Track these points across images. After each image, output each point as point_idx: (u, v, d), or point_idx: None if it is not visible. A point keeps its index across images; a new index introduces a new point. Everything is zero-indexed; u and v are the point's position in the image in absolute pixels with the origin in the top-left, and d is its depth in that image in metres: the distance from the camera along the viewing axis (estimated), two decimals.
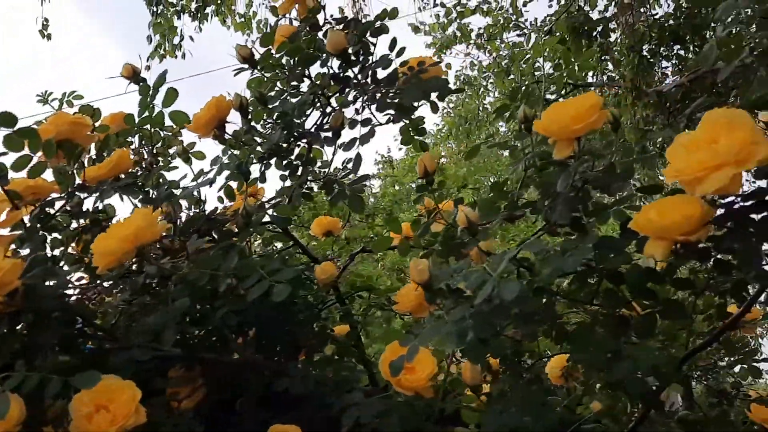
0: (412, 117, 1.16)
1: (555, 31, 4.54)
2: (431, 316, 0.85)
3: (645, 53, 4.53)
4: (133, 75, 1.29)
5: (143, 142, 1.40)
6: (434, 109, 1.16)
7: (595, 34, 4.64)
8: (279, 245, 1.34)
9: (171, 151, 1.46)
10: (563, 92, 5.00)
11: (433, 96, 1.09)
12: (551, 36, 4.79)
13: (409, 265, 0.80)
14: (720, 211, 0.74)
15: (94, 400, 0.69)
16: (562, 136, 0.83)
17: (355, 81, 0.91)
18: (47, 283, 0.75)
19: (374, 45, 1.04)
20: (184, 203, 1.18)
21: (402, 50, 1.05)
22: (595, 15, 5.02)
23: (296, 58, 0.94)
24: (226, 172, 1.06)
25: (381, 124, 1.06)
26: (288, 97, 0.96)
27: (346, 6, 6.07)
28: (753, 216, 0.71)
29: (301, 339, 1.17)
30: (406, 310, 1.15)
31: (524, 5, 5.13)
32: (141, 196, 1.08)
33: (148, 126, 1.28)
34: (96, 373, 0.65)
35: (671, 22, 4.70)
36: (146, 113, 1.29)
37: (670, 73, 5.17)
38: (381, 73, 1.05)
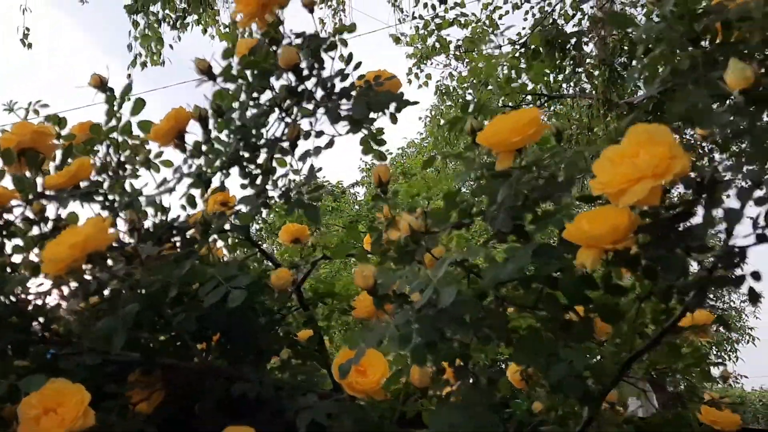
0: (372, 128, 1.20)
1: (529, 44, 4.62)
2: (377, 321, 0.88)
3: (617, 66, 4.62)
4: (100, 85, 1.31)
5: (110, 151, 1.43)
6: (393, 120, 1.21)
7: (568, 47, 4.74)
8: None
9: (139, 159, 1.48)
10: (538, 103, 5.09)
11: (392, 108, 1.14)
12: (526, 49, 4.87)
13: (354, 272, 0.83)
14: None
15: (42, 403, 0.72)
16: (502, 148, 0.87)
17: (308, 94, 0.94)
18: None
19: (333, 59, 1.08)
20: (151, 211, 1.21)
21: (358, 64, 1.08)
22: (569, 28, 5.12)
23: (254, 72, 0.98)
24: (187, 181, 1.09)
25: (339, 135, 1.10)
26: (247, 109, 0.99)
27: (327, 18, 6.16)
28: (677, 225, 0.75)
29: (263, 344, 1.20)
30: (362, 315, 1.19)
31: (500, 18, 5.22)
32: (103, 204, 1.11)
33: (115, 135, 1.31)
34: (42, 376, 0.68)
35: None
36: (113, 122, 1.32)
37: (641, 86, 5.26)
38: (339, 86, 1.09)
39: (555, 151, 0.99)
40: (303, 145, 1.08)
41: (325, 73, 1.03)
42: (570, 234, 0.79)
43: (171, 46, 5.15)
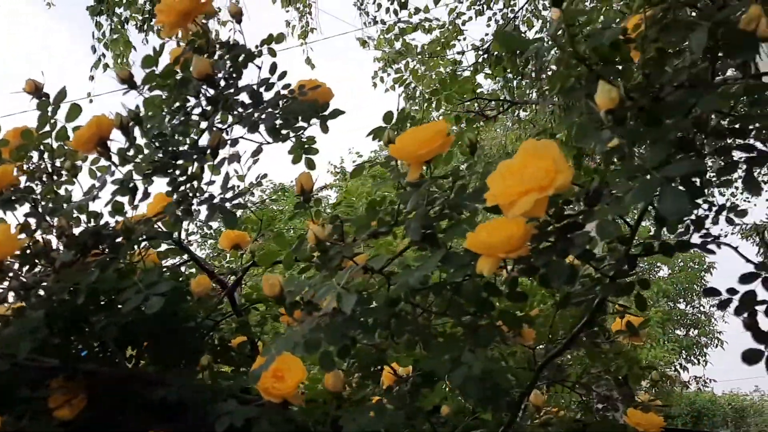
0: (302, 137, 1.23)
1: (492, 51, 4.68)
2: (288, 327, 0.90)
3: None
4: (35, 90, 1.31)
5: (44, 157, 1.42)
6: (324, 130, 1.23)
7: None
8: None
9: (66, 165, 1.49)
10: (500, 110, 5.15)
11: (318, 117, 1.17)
12: (488, 55, 4.93)
13: (262, 280, 0.85)
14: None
15: None
16: (411, 160, 0.90)
17: (224, 104, 0.96)
18: None
19: (260, 67, 1.10)
20: (83, 218, 1.22)
21: (283, 74, 1.11)
22: (532, 35, 5.20)
23: (174, 80, 0.99)
24: (112, 188, 1.10)
25: (267, 143, 1.12)
26: (167, 118, 1.01)
27: (293, 20, 6.16)
28: (568, 235, 0.78)
29: (192, 349, 1.21)
30: (290, 321, 1.20)
31: (463, 24, 5.27)
32: (31, 211, 1.11)
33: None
34: None
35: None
36: (47, 128, 1.32)
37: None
38: (267, 95, 1.11)
39: (469, 162, 1.03)
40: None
41: (245, 82, 1.05)
42: (471, 243, 0.82)
43: (134, 48, 5.10)
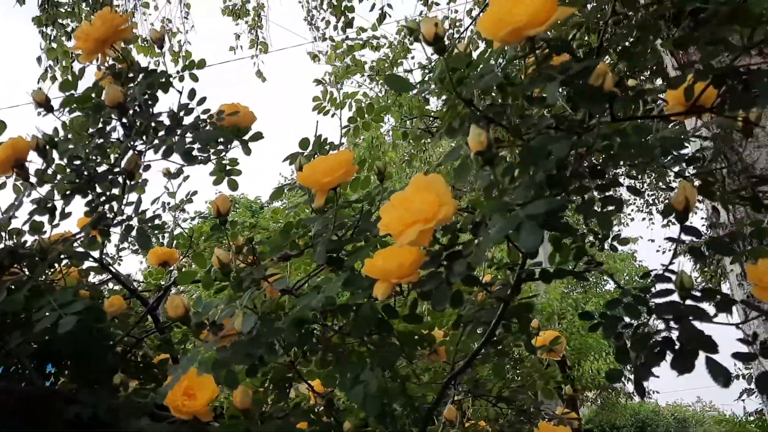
0: (223, 159, 1.27)
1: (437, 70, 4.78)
2: (194, 348, 0.94)
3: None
4: None
5: None
6: (246, 152, 1.27)
7: None
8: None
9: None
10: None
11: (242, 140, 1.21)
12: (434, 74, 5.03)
13: (167, 301, 0.88)
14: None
15: None
16: (316, 188, 0.95)
17: (137, 130, 0.99)
18: None
19: (180, 92, 1.14)
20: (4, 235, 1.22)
21: (203, 99, 1.15)
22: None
23: (90, 105, 1.02)
24: (30, 207, 1.12)
25: (186, 165, 1.15)
26: (83, 141, 1.03)
27: (243, 33, 6.16)
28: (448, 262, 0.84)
29: (111, 367, 1.23)
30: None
31: (411, 44, 5.37)
32: None
33: None
34: None
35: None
36: None
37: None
38: (187, 120, 1.15)
39: (376, 190, 1.08)
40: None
41: (160, 108, 1.08)
42: (368, 269, 0.87)
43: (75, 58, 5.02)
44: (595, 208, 0.75)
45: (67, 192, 1.08)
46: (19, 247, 1.14)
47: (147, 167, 1.02)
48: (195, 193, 1.80)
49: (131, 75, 1.11)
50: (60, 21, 5.08)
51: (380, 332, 0.95)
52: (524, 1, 0.62)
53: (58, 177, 1.09)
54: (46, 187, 1.13)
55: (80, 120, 1.14)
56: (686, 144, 0.87)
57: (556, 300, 9.85)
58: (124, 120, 0.99)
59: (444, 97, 0.87)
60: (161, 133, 1.08)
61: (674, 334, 0.73)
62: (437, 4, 5.23)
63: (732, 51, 0.74)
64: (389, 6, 4.70)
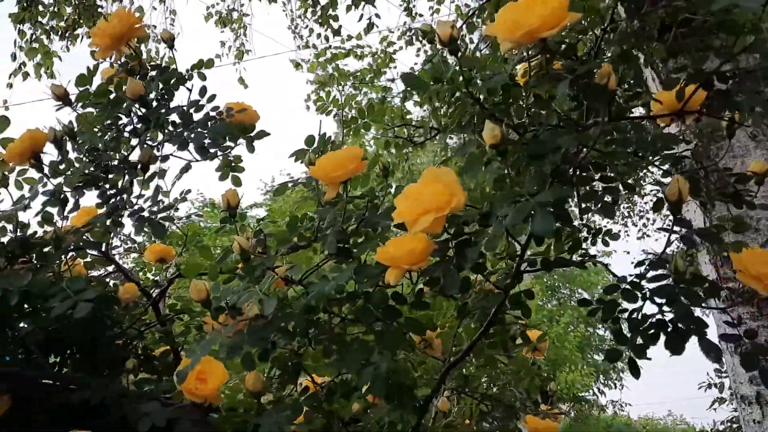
0: (229, 155, 1.31)
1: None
2: (213, 331, 0.98)
3: None
4: None
5: None
6: (250, 149, 1.32)
7: None
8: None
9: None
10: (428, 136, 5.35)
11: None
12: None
13: (190, 286, 0.92)
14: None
15: None
16: (328, 181, 1.00)
17: (155, 122, 1.03)
18: None
19: (190, 90, 1.18)
20: (10, 227, 1.25)
21: (212, 97, 1.19)
22: None
23: (108, 99, 1.06)
24: (42, 198, 1.15)
25: (196, 161, 1.19)
26: (101, 134, 1.07)
27: (229, 40, 6.19)
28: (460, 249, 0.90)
29: (116, 355, 1.26)
30: (214, 325, 1.27)
31: (394, 53, 5.45)
32: None
33: None
34: None
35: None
36: None
37: None
38: (196, 116, 1.19)
39: (381, 185, 1.14)
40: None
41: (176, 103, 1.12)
42: (380, 256, 0.92)
43: (60, 58, 5.01)
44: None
45: (79, 183, 1.12)
46: (29, 237, 1.17)
47: (165, 158, 1.05)
48: (189, 191, 1.83)
49: (143, 71, 1.15)
50: (41, 20, 5.06)
51: (387, 318, 0.99)
52: (538, 6, 0.68)
53: (71, 170, 1.12)
54: (57, 180, 1.16)
55: (91, 115, 1.17)
56: (675, 145, 0.93)
57: (531, 311, 9.94)
58: (141, 113, 1.03)
59: (452, 98, 0.92)
60: (172, 129, 1.12)
61: (667, 317, 0.79)
62: (421, 15, 5.32)
63: (720, 57, 0.81)
64: (377, 16, 4.77)
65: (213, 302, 0.93)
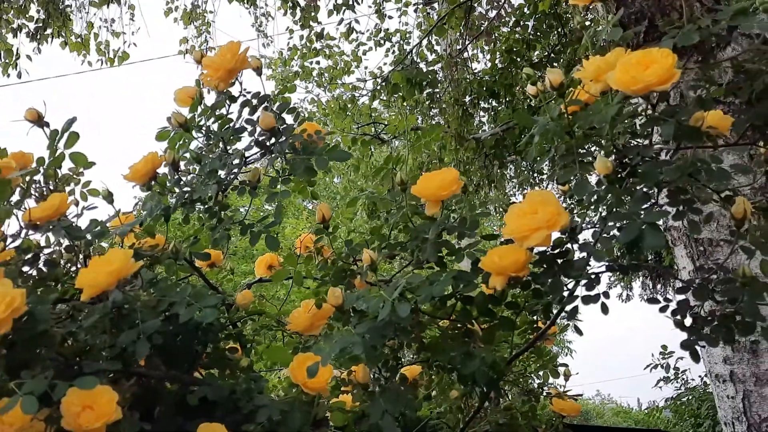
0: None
1: (392, 80, 5.03)
2: (327, 333, 1.12)
3: (466, 104, 5.19)
4: (38, 120, 1.41)
5: (48, 181, 1.52)
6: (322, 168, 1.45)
7: (425, 84, 5.22)
8: None
9: (68, 189, 1.59)
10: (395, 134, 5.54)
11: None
12: (386, 83, 5.28)
13: (328, 292, 1.06)
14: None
15: (81, 401, 0.87)
16: (432, 200, 1.15)
17: (278, 149, 1.16)
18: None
19: (277, 114, 1.31)
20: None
21: (302, 121, 1.32)
22: (424, 66, 5.62)
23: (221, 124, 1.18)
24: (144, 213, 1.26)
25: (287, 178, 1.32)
26: (215, 157, 1.19)
27: (192, 38, 6.19)
28: (558, 260, 1.07)
29: (198, 356, 1.38)
30: (298, 329, 1.40)
31: (364, 54, 5.60)
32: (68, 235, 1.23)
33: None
34: (93, 378, 0.84)
35: (487, 78, 5.43)
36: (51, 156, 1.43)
37: (486, 122, 5.94)
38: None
39: (462, 200, 1.29)
40: None
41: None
42: (485, 264, 1.08)
43: (29, 57, 4.91)
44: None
45: (187, 200, 1.23)
46: (139, 249, 1.27)
47: (287, 179, 1.18)
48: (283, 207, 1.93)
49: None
50: (5, 18, 4.95)
51: (486, 317, 1.16)
52: (654, 66, 0.86)
53: (181, 189, 1.24)
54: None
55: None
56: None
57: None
58: (258, 139, 1.15)
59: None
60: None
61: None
62: (390, 17, 5.48)
63: None
64: (356, 21, 4.91)
65: (345, 305, 1.07)
